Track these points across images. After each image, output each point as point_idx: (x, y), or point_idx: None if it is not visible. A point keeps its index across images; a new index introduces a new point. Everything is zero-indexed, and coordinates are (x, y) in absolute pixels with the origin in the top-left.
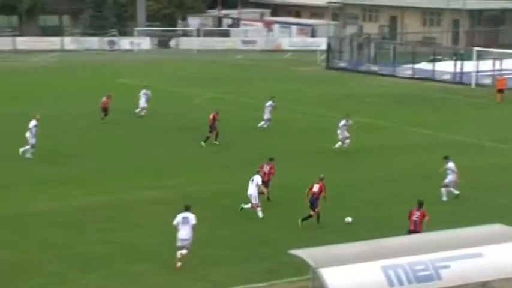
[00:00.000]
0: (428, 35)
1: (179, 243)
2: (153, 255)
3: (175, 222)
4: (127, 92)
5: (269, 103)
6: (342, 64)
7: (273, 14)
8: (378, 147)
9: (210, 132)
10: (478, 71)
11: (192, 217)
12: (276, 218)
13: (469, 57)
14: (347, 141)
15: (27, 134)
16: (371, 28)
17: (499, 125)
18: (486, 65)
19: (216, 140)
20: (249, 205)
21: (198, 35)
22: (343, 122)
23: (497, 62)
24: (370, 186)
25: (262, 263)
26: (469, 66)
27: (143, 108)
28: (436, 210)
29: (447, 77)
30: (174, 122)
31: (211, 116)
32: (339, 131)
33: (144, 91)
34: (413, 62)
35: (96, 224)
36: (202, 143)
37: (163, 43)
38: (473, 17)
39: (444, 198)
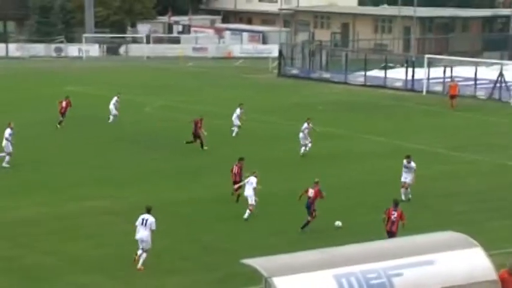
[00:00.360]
0: (380, 42)
1: (139, 245)
2: (102, 266)
3: (136, 223)
4: (76, 100)
5: (238, 110)
6: (294, 71)
7: (224, 21)
8: (331, 155)
9: (194, 139)
10: (429, 78)
11: (151, 220)
12: (230, 227)
13: (420, 65)
14: (309, 145)
15: (4, 143)
16: (323, 35)
17: (450, 132)
18: (437, 72)
19: (202, 147)
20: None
21: (148, 42)
22: (305, 125)
23: (448, 69)
24: (327, 195)
25: (213, 272)
26: (420, 73)
27: (115, 116)
28: None
29: (399, 84)
30: (126, 131)
31: (194, 122)
32: (301, 135)
33: (116, 98)
34: (365, 69)
35: (43, 235)
36: (187, 144)
37: (112, 50)
38: (424, 24)
39: (403, 198)
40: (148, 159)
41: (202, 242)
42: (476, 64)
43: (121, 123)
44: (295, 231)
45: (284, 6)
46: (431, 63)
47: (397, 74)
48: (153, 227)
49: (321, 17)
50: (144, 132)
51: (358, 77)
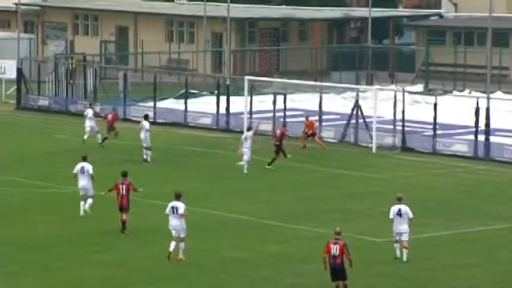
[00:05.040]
0: (177, 57)
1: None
2: None
3: (167, 212)
4: None
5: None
6: (43, 102)
7: None
8: (96, 234)
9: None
10: (251, 112)
11: (181, 206)
12: None
13: (239, 92)
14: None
15: None
16: (88, 45)
17: (280, 194)
18: (264, 102)
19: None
20: None
21: None
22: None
23: (280, 98)
24: None
25: None
26: (239, 104)
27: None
28: None
29: (206, 121)
30: None
31: (109, 117)
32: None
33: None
34: (155, 99)
35: None
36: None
37: None
38: (242, 29)
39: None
40: None
41: None
42: (321, 90)
43: None
44: None
45: (24, 1)
46: (255, 89)
47: (204, 106)
48: (182, 211)
49: (85, 17)
50: None
51: (144, 110)
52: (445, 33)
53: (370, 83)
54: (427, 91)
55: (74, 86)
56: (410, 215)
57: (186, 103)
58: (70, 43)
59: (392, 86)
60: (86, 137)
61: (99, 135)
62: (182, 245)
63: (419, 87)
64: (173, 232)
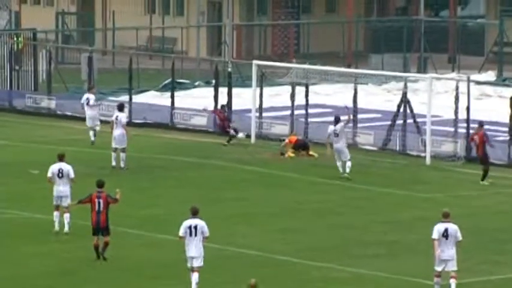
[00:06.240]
0: (160, 35)
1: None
2: None
3: (181, 234)
4: None
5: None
6: None
7: None
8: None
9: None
10: (261, 109)
11: (201, 225)
12: None
13: (244, 82)
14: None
15: None
16: (40, 18)
17: (303, 222)
18: (280, 96)
19: (229, 141)
20: None
21: None
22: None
23: (300, 90)
24: None
25: None
26: (245, 98)
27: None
28: None
29: (201, 121)
30: None
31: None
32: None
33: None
34: (131, 90)
35: None
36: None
37: None
38: None
39: None
40: None
41: None
42: (356, 79)
43: None
44: None
45: None
46: (266, 78)
47: (198, 101)
48: (206, 234)
49: None
50: None
51: (115, 107)
52: None
53: (422, 69)
54: (501, 80)
55: (21, 73)
56: (460, 238)
57: (172, 97)
58: (15, 15)
59: (454, 74)
60: (91, 135)
61: (91, 132)
62: (196, 276)
63: (490, 75)
64: (189, 262)
